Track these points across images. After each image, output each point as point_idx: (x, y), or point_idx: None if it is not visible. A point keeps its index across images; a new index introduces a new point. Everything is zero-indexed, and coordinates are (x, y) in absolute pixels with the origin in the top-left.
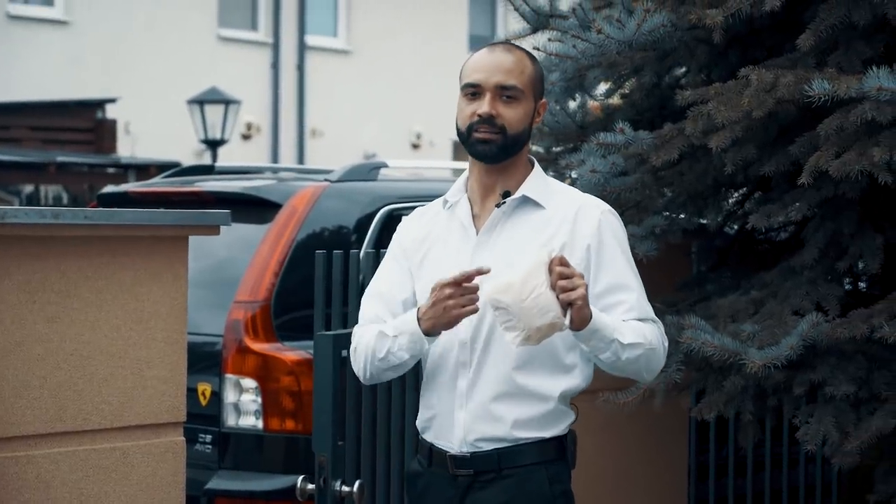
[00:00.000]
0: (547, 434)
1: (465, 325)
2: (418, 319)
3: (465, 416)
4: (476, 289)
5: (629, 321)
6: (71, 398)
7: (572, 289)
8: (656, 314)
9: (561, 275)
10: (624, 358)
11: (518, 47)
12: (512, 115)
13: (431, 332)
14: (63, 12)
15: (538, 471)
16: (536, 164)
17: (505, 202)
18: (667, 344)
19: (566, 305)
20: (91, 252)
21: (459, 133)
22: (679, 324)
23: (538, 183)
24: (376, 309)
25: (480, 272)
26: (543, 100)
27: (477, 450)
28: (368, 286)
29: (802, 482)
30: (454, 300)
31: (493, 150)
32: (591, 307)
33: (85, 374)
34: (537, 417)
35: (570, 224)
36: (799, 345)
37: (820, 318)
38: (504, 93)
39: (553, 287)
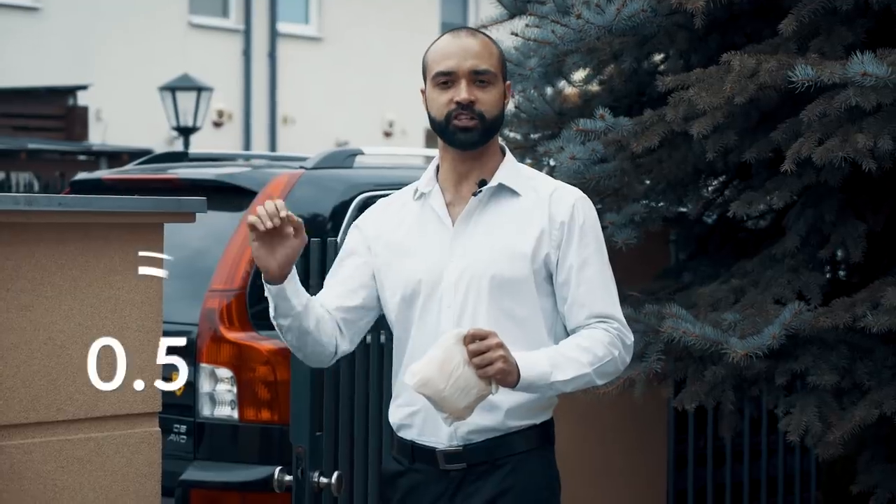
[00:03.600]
0: (538, 420)
1: (447, 316)
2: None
3: None
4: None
5: (578, 336)
6: (45, 388)
7: (489, 364)
8: (635, 304)
9: (475, 352)
10: (569, 390)
11: (479, 31)
12: (488, 99)
13: (268, 278)
14: None
15: (531, 457)
16: (508, 151)
17: (481, 191)
18: (630, 341)
19: (487, 378)
20: (65, 239)
21: (435, 123)
22: (659, 313)
23: (512, 170)
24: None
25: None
26: (508, 81)
27: (468, 442)
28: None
29: (781, 472)
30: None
31: (475, 136)
32: (516, 356)
33: (59, 364)
34: (529, 403)
35: (546, 208)
36: (781, 334)
37: (802, 307)
38: (478, 77)
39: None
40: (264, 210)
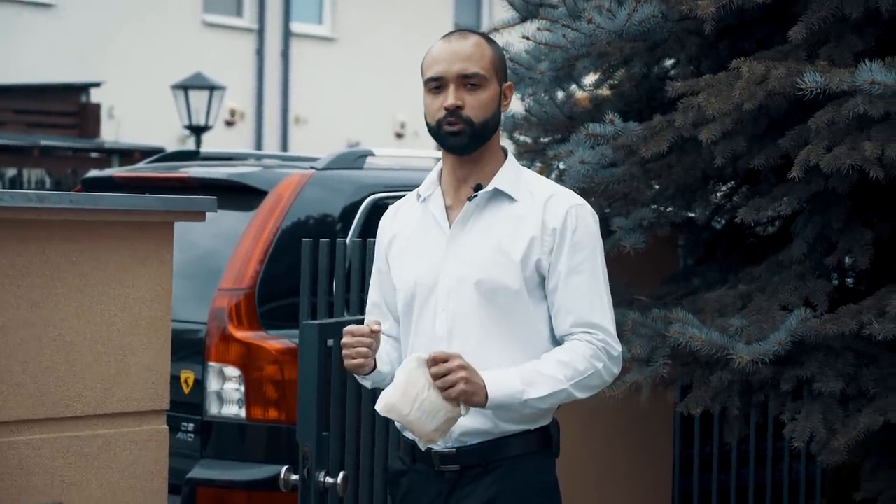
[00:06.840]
0: (532, 426)
1: (441, 320)
2: None
3: None
4: (365, 342)
5: (560, 350)
6: (53, 384)
7: (451, 386)
8: (642, 308)
9: (437, 375)
10: (546, 406)
11: (474, 32)
12: (477, 103)
13: (362, 374)
14: None
15: (524, 462)
16: (510, 154)
17: (476, 195)
18: (617, 352)
19: (453, 400)
20: (76, 236)
21: (430, 129)
22: (666, 318)
23: (510, 174)
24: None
25: (373, 330)
26: (509, 83)
27: (462, 444)
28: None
29: (786, 478)
30: (346, 350)
31: (464, 141)
32: (484, 376)
33: (68, 360)
34: None
35: (539, 213)
36: (787, 340)
37: (808, 314)
38: (467, 81)
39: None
40: (356, 349)
